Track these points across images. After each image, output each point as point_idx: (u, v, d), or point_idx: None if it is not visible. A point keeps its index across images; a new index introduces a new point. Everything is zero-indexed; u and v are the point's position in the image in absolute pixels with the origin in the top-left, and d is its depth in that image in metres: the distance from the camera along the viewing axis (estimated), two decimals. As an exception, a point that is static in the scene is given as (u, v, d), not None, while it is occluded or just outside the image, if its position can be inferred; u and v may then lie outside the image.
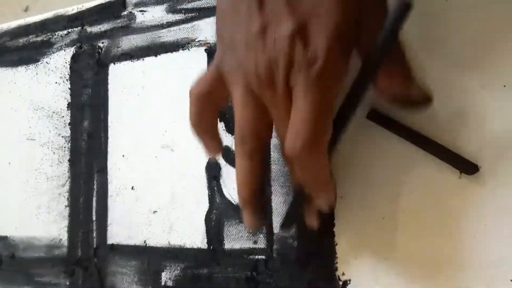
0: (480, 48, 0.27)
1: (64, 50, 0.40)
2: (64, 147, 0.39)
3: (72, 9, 0.40)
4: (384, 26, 0.23)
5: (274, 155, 0.32)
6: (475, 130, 0.27)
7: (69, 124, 0.39)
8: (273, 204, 0.31)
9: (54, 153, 0.40)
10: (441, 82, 0.28)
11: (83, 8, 0.40)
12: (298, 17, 0.23)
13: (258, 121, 0.25)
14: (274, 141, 0.32)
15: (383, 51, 0.24)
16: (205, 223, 0.33)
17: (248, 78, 0.25)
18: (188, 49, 0.35)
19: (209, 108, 0.28)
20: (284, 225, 0.31)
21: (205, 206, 0.33)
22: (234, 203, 0.33)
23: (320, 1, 0.23)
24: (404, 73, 0.25)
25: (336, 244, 0.29)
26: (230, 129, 0.33)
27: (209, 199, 0.33)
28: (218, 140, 0.29)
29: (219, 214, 0.33)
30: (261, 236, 0.31)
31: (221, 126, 0.34)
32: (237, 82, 0.25)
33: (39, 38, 0.42)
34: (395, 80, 0.25)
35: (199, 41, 0.35)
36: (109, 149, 0.38)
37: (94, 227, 0.37)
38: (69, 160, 0.39)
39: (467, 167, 0.26)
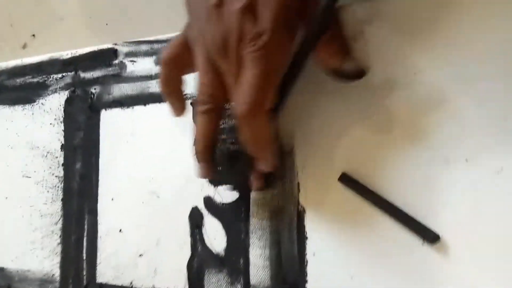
0: (445, 123, 0.28)
1: (59, 93, 0.42)
2: (58, 187, 0.41)
3: (66, 54, 0.42)
4: (321, 2, 0.26)
5: (253, 208, 0.34)
6: (438, 201, 0.28)
7: (63, 164, 0.41)
8: (250, 257, 0.33)
9: (48, 191, 0.42)
10: (407, 154, 0.29)
11: (77, 54, 0.42)
12: None
13: (215, 86, 0.29)
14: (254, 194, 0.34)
15: (320, 24, 0.27)
16: (187, 269, 0.35)
17: (208, 47, 0.28)
18: (175, 101, 0.37)
19: (176, 71, 0.31)
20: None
21: (187, 253, 0.35)
22: (215, 253, 0.34)
23: None
24: (339, 47, 0.29)
25: (307, 300, 0.31)
26: (212, 181, 0.35)
27: (192, 246, 0.35)
28: (183, 101, 0.33)
29: (200, 262, 0.35)
30: (239, 286, 0.33)
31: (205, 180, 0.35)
32: (199, 50, 0.29)
33: (35, 79, 0.43)
34: (331, 54, 0.29)
35: (185, 94, 0.36)
36: (100, 191, 0.39)
37: (85, 266, 0.39)
38: (62, 200, 0.41)
39: (429, 236, 0.28)
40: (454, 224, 0.28)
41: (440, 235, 0.28)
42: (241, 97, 0.26)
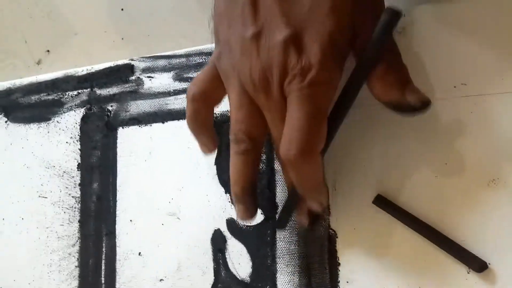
0: (489, 139, 0.26)
1: (74, 111, 0.41)
2: (74, 208, 0.40)
3: (82, 70, 0.41)
4: (374, 33, 0.23)
5: (280, 232, 0.32)
6: (485, 225, 0.26)
7: (79, 184, 0.40)
8: (278, 284, 0.31)
9: (64, 212, 0.40)
10: (449, 174, 0.27)
11: (92, 70, 0.40)
12: (292, 25, 0.23)
13: (252, 122, 0.26)
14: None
15: (373, 57, 0.24)
16: (211, 296, 0.33)
17: (243, 81, 0.25)
18: (195, 118, 0.35)
19: (205, 107, 0.28)
20: (279, 225, 0.31)
21: (210, 278, 0.33)
22: (239, 279, 0.33)
23: (314, 10, 0.23)
24: (398, 78, 0.25)
25: (341, 332, 0.29)
26: (236, 202, 0.33)
27: (215, 272, 0.33)
28: (214, 138, 0.30)
29: (224, 288, 0.33)
30: (266, 315, 0.31)
31: (226, 198, 0.34)
32: (233, 83, 0.26)
33: (50, 97, 0.42)
34: (390, 87, 0.25)
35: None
36: (118, 213, 0.38)
37: (103, 290, 0.38)
38: (79, 221, 0.40)
39: (476, 264, 0.26)
40: (503, 251, 0.25)
41: (488, 263, 0.26)
42: (288, 141, 0.23)
